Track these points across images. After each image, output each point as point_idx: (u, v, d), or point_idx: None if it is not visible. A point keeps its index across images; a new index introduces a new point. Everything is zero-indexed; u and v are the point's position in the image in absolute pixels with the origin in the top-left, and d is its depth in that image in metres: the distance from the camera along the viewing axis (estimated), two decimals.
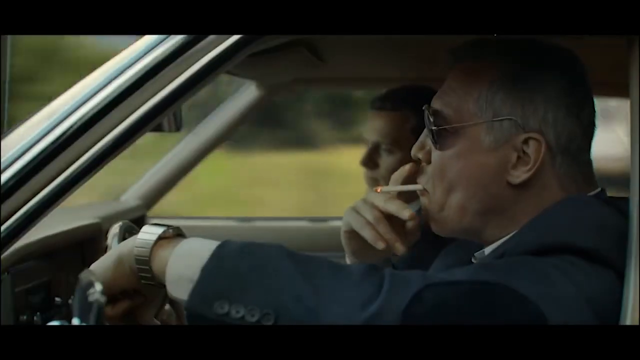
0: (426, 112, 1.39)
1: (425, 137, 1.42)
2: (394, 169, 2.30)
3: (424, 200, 1.42)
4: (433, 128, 1.37)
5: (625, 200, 1.28)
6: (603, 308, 1.21)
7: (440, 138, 1.37)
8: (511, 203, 1.34)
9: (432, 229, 1.42)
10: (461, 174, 1.35)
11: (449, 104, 1.37)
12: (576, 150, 1.35)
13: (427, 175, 1.41)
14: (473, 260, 1.43)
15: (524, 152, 1.33)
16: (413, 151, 1.43)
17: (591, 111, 1.37)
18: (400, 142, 2.30)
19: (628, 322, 1.20)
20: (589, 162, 1.38)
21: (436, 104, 1.39)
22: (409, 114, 2.29)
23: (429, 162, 1.40)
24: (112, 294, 1.29)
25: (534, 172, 1.32)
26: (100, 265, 1.29)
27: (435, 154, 1.39)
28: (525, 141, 1.32)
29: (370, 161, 2.34)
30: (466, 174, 1.35)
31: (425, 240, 2.09)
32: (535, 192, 1.34)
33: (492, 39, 1.36)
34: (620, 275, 1.23)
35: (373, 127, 2.35)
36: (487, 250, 1.39)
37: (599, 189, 1.38)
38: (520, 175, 1.33)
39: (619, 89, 1.40)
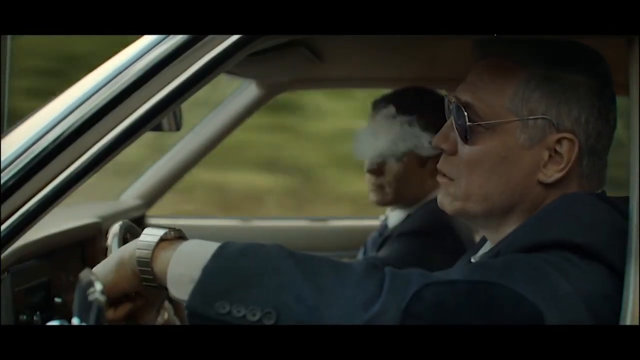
0: (453, 103, 1.37)
1: (448, 129, 1.40)
2: (401, 176, 2.30)
3: (446, 188, 1.39)
4: (468, 124, 1.35)
5: (623, 199, 1.28)
6: (597, 304, 1.21)
7: (472, 133, 1.35)
8: (538, 200, 1.35)
9: (451, 212, 1.40)
10: (493, 170, 1.34)
11: (480, 99, 1.35)
12: (601, 151, 1.36)
13: (452, 165, 1.38)
14: (472, 259, 1.43)
15: (555, 151, 1.33)
16: (435, 142, 1.41)
17: (615, 112, 1.38)
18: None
19: (628, 322, 1.20)
20: (606, 162, 1.38)
21: (465, 96, 1.37)
22: (416, 118, 2.25)
23: (453, 153, 1.38)
24: (114, 297, 1.29)
25: (566, 172, 1.33)
26: (102, 269, 1.29)
27: (465, 148, 1.36)
28: (559, 141, 1.33)
29: (376, 168, 2.29)
30: (498, 170, 1.34)
31: (432, 242, 2.09)
32: (559, 190, 1.34)
33: (523, 36, 1.33)
34: (614, 272, 1.23)
35: None
36: (486, 247, 1.39)
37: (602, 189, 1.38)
38: (552, 174, 1.33)
39: (619, 89, 1.40)
